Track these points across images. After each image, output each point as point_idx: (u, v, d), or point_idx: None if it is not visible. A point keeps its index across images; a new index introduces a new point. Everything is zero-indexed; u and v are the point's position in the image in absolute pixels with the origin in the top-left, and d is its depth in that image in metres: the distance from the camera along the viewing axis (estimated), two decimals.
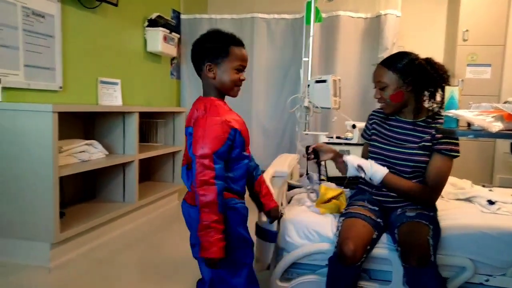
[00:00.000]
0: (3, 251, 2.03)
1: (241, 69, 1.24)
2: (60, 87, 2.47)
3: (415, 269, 1.28)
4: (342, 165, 1.52)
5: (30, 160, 1.95)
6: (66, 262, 2.05)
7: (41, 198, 1.96)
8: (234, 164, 1.22)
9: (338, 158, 1.57)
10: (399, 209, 1.51)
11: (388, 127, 1.60)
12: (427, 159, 1.48)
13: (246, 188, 1.30)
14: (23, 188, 1.97)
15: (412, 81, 1.47)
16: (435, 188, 1.47)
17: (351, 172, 1.49)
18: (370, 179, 1.47)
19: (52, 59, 2.39)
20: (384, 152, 1.55)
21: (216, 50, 1.21)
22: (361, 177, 1.69)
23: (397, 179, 1.48)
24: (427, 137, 1.48)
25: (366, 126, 1.72)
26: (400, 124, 1.57)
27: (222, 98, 1.27)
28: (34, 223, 1.98)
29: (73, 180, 2.53)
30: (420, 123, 1.52)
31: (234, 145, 1.19)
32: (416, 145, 1.50)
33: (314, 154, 1.59)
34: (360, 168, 1.46)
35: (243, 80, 1.25)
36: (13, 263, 1.99)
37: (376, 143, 1.60)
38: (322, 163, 1.77)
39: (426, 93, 1.51)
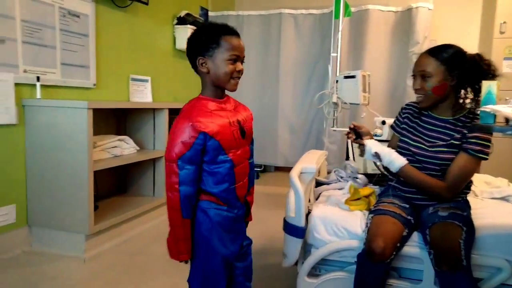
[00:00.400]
0: (41, 240, 2.14)
1: (235, 59, 1.13)
2: (94, 84, 2.56)
3: (447, 274, 1.25)
4: (362, 148, 1.50)
5: (67, 155, 2.04)
6: (100, 253, 2.13)
7: (77, 191, 2.04)
8: (211, 167, 1.14)
9: (358, 140, 1.54)
10: (431, 207, 1.47)
11: (420, 123, 1.55)
12: (454, 156, 1.43)
13: (235, 193, 1.19)
14: (61, 181, 2.07)
15: (459, 74, 1.42)
16: (452, 186, 1.43)
17: (367, 156, 1.48)
18: (385, 168, 1.46)
19: (87, 57, 2.48)
20: (412, 149, 1.51)
21: (206, 42, 1.12)
22: (389, 174, 1.67)
23: (414, 171, 1.45)
24: (457, 135, 1.44)
25: (397, 118, 1.67)
26: (433, 121, 1.52)
27: (219, 95, 1.18)
28: (71, 215, 2.07)
29: (106, 174, 2.62)
30: (454, 121, 1.48)
31: (206, 149, 1.11)
32: (444, 143, 1.46)
33: (355, 134, 1.55)
34: (376, 155, 1.44)
35: (240, 71, 1.15)
36: (51, 252, 2.09)
37: (405, 139, 1.56)
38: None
39: (466, 89, 1.46)
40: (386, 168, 1.54)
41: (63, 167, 2.05)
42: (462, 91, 1.49)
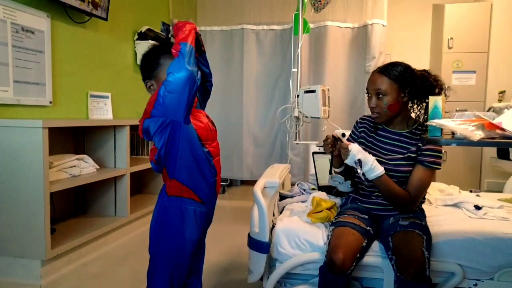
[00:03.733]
0: None
1: None
2: (50, 102, 2.47)
3: (410, 283, 1.28)
4: (346, 151, 1.48)
5: (21, 176, 1.94)
6: (58, 279, 2.03)
7: (32, 214, 1.94)
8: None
9: (343, 143, 1.52)
10: (391, 217, 1.53)
11: (376, 137, 1.61)
12: (411, 168, 1.51)
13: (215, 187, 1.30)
14: (14, 205, 1.96)
15: (410, 91, 1.49)
16: (416, 197, 1.50)
17: (350, 161, 1.46)
18: (363, 174, 1.46)
19: (42, 74, 2.40)
20: None
21: (147, 65, 1.21)
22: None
23: (389, 181, 1.48)
24: (413, 148, 1.51)
25: (353, 132, 1.70)
26: (388, 135, 1.59)
27: None
28: (25, 240, 1.96)
29: (64, 195, 2.51)
30: (408, 134, 1.55)
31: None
32: (402, 156, 1.52)
33: (334, 140, 1.53)
34: (358, 163, 1.45)
35: None
36: (3, 281, 1.96)
37: None
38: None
39: (417, 103, 1.53)
40: (358, 178, 1.55)
41: (17, 190, 1.95)
42: (411, 104, 1.56)
